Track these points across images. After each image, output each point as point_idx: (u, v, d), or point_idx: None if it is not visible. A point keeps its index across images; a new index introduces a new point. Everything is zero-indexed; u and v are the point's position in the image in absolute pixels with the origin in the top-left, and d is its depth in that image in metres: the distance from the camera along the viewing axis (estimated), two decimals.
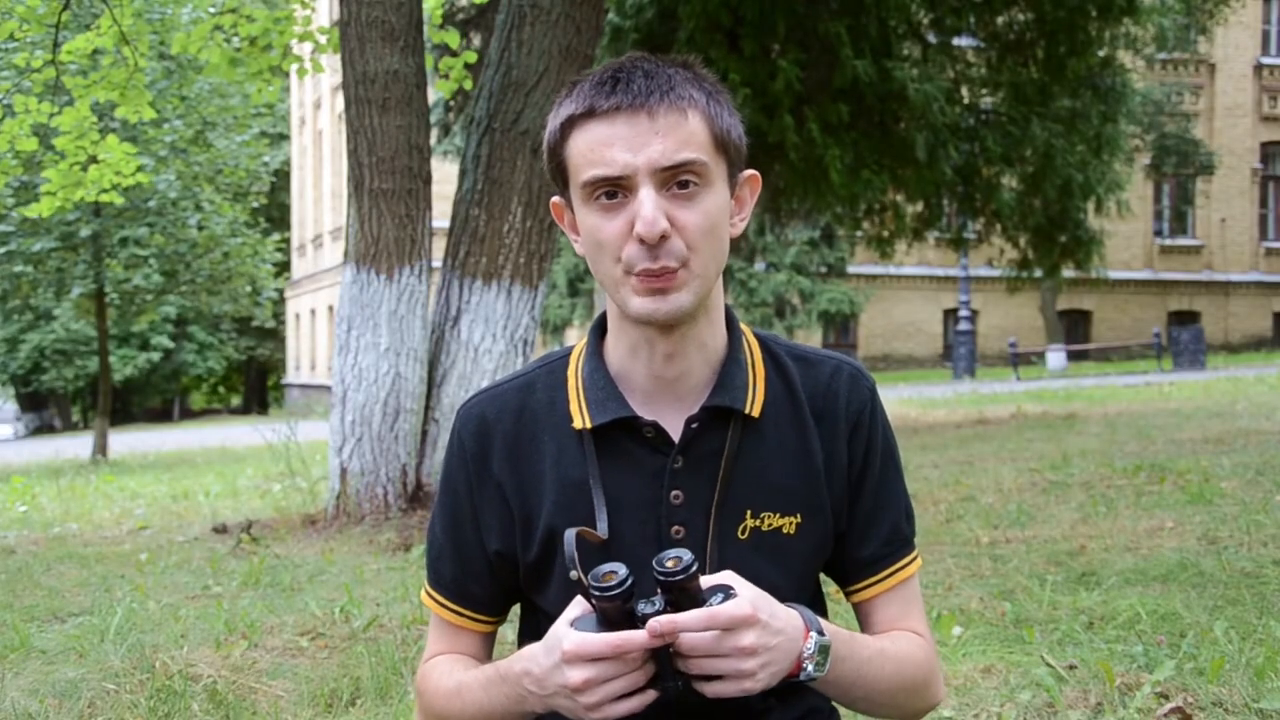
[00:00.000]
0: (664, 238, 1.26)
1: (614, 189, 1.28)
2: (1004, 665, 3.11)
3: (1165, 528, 5.00)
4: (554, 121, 1.33)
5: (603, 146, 1.27)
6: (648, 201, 1.25)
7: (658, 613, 1.18)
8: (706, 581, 1.22)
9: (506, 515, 1.40)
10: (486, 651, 1.50)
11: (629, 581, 1.18)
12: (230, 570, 5.19)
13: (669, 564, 1.18)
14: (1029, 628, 3.45)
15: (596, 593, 1.18)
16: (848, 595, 1.48)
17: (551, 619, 1.39)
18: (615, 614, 1.20)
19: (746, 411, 1.37)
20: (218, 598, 4.58)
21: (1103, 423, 10.79)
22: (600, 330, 1.44)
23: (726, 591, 1.20)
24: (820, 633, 1.27)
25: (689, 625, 1.17)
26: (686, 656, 1.20)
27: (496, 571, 1.44)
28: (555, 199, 1.40)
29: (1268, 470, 6.37)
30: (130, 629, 3.95)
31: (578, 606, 1.25)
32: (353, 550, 5.47)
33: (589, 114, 1.28)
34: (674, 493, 1.36)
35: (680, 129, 1.27)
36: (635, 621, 1.19)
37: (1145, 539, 4.81)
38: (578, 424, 1.38)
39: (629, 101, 1.26)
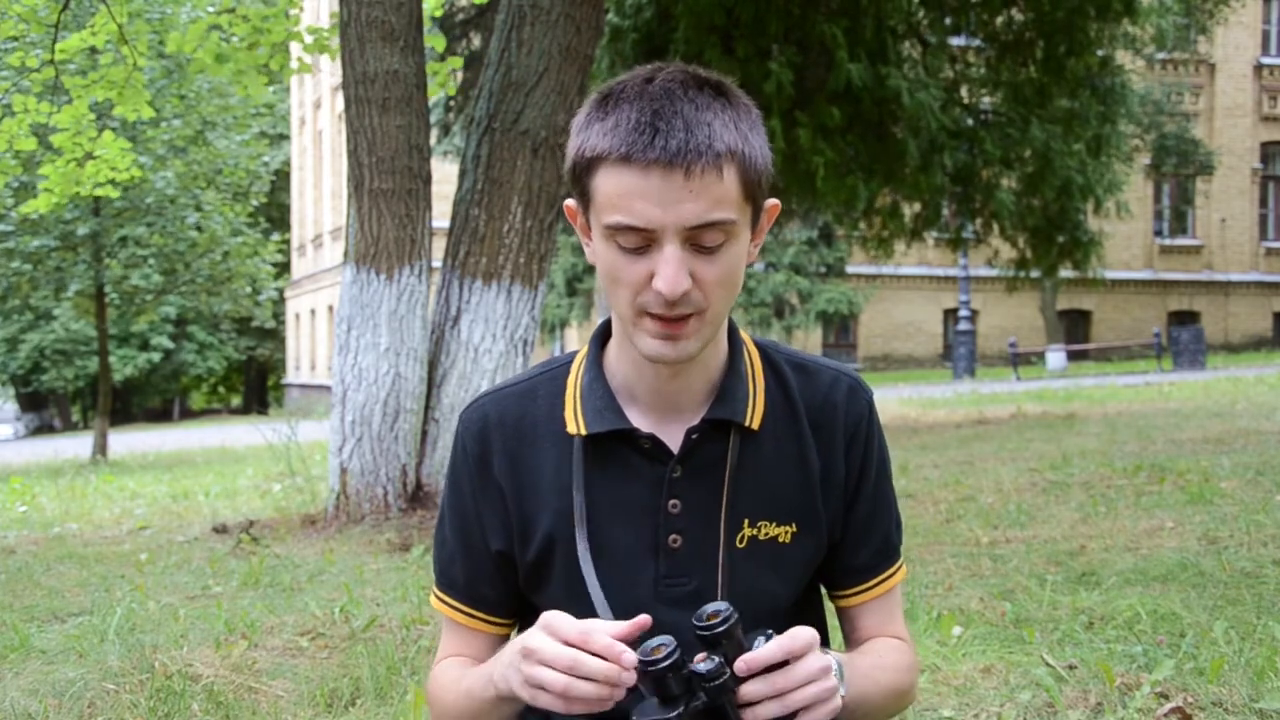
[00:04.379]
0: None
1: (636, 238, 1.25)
2: (1004, 665, 3.11)
3: (1165, 528, 5.00)
4: (581, 144, 1.27)
5: (633, 198, 1.22)
6: (672, 260, 1.22)
7: (718, 669, 1.13)
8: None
9: (506, 516, 1.41)
10: None
11: (678, 651, 1.13)
12: (230, 570, 5.19)
13: (708, 618, 1.14)
14: (1029, 628, 3.45)
15: (646, 667, 1.13)
16: (833, 599, 1.51)
17: None
18: (670, 683, 1.14)
19: (746, 424, 1.38)
20: (217, 598, 4.58)
21: (1103, 423, 10.79)
22: (602, 339, 1.44)
23: (766, 634, 1.18)
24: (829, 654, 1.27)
25: (768, 658, 1.15)
26: (781, 695, 1.16)
27: (504, 572, 1.44)
28: (569, 202, 1.35)
29: (1268, 470, 6.37)
30: (130, 629, 3.95)
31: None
32: (353, 550, 5.47)
33: (624, 160, 1.22)
34: (671, 502, 1.37)
35: (714, 189, 1.22)
36: (691, 685, 1.14)
37: (1145, 539, 4.81)
38: (571, 429, 1.38)
39: (666, 157, 1.20)
